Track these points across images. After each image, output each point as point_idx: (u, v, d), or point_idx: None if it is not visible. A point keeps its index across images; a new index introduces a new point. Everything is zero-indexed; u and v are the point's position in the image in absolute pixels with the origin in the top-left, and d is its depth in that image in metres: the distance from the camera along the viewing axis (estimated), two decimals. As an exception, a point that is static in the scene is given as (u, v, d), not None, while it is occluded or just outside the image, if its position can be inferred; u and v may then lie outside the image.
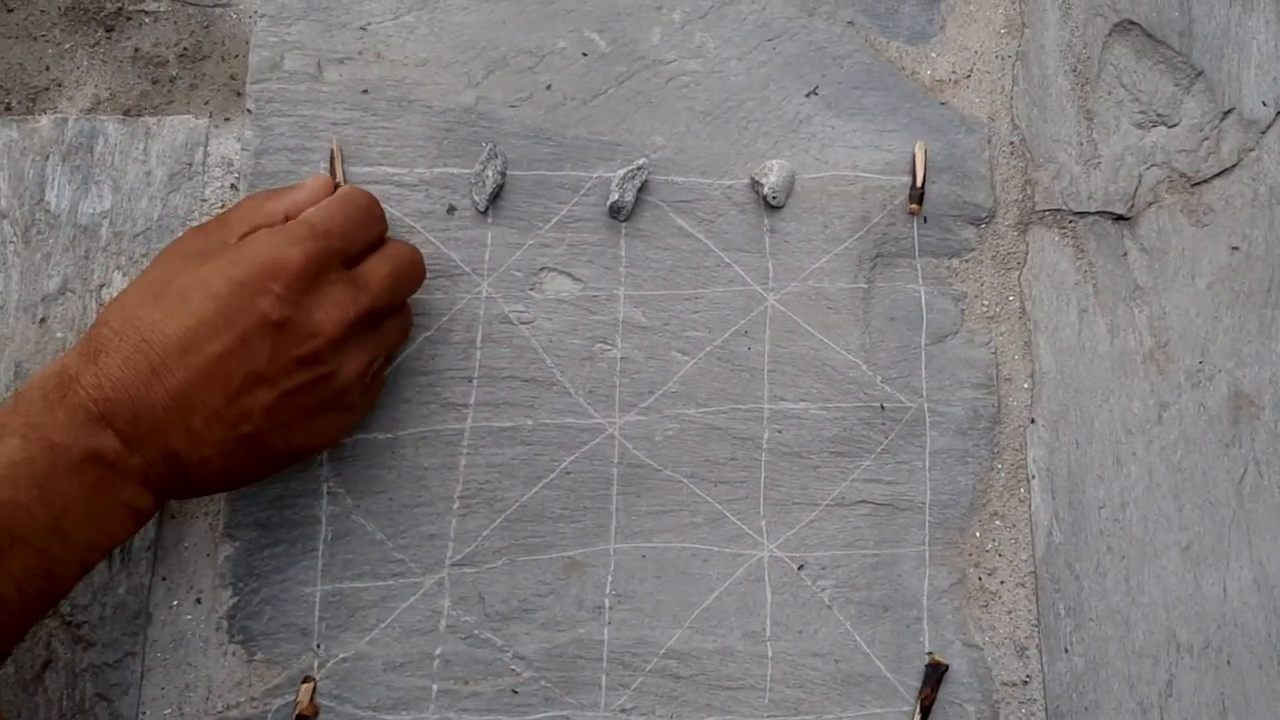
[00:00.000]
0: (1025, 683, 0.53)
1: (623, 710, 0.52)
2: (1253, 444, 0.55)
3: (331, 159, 0.55)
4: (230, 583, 0.52)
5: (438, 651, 0.52)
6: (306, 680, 0.51)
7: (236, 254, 0.44)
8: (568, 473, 0.54)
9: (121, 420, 0.42)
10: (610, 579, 0.53)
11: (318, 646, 0.51)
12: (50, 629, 0.51)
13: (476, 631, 0.52)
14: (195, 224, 0.54)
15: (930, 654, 0.53)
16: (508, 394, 0.54)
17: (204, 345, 0.42)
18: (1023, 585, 0.54)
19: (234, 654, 0.51)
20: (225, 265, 0.43)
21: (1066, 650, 0.53)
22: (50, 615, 0.51)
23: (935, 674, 0.52)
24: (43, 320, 0.54)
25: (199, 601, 0.52)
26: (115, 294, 0.54)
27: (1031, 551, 0.54)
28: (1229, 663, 0.53)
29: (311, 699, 0.50)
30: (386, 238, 0.50)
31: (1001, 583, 0.54)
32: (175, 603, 0.52)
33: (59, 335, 0.54)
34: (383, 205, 0.55)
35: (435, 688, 0.51)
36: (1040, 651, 0.53)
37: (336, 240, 0.46)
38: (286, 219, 0.47)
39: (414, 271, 0.50)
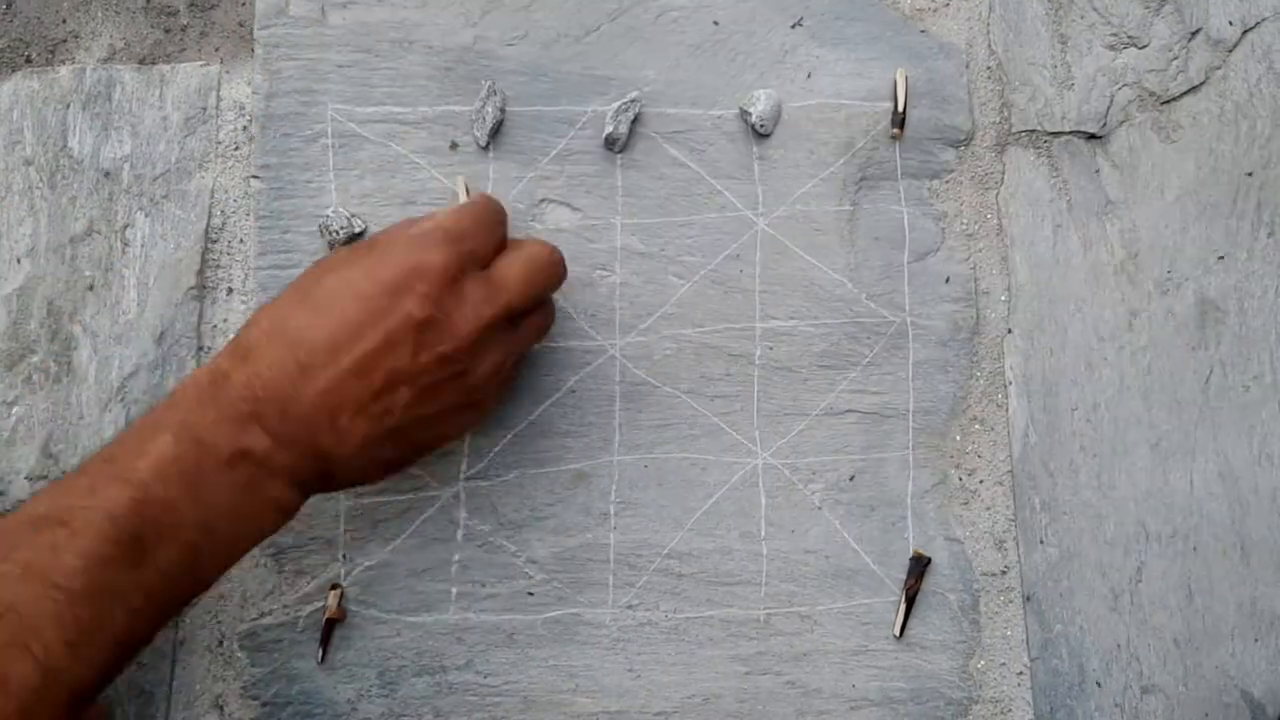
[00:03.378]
0: (1004, 572, 0.57)
1: (629, 606, 0.55)
2: (1218, 347, 0.58)
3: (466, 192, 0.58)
4: (260, 500, 0.55)
5: (456, 558, 0.55)
6: (334, 587, 0.55)
7: (380, 257, 0.46)
8: (573, 391, 0.57)
9: (271, 419, 0.43)
10: (615, 488, 0.56)
11: (344, 556, 0.55)
12: (94, 546, 0.55)
13: (491, 539, 0.56)
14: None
15: (915, 549, 0.56)
16: (513, 319, 0.57)
17: (351, 345, 0.44)
18: (1000, 484, 0.57)
19: (265, 565, 0.55)
20: (370, 267, 0.45)
21: (1042, 542, 0.57)
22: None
23: (919, 566, 0.56)
24: (71, 260, 0.57)
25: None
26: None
27: (1009, 452, 0.58)
28: (1195, 550, 0.57)
29: (340, 604, 0.54)
30: (518, 240, 0.51)
31: (981, 482, 0.58)
32: (209, 520, 0.56)
33: (87, 274, 0.57)
34: (389, 145, 0.58)
35: (455, 591, 0.55)
36: (1017, 544, 0.57)
37: (469, 242, 0.47)
38: None
39: (551, 269, 0.50)
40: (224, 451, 0.43)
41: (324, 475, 0.46)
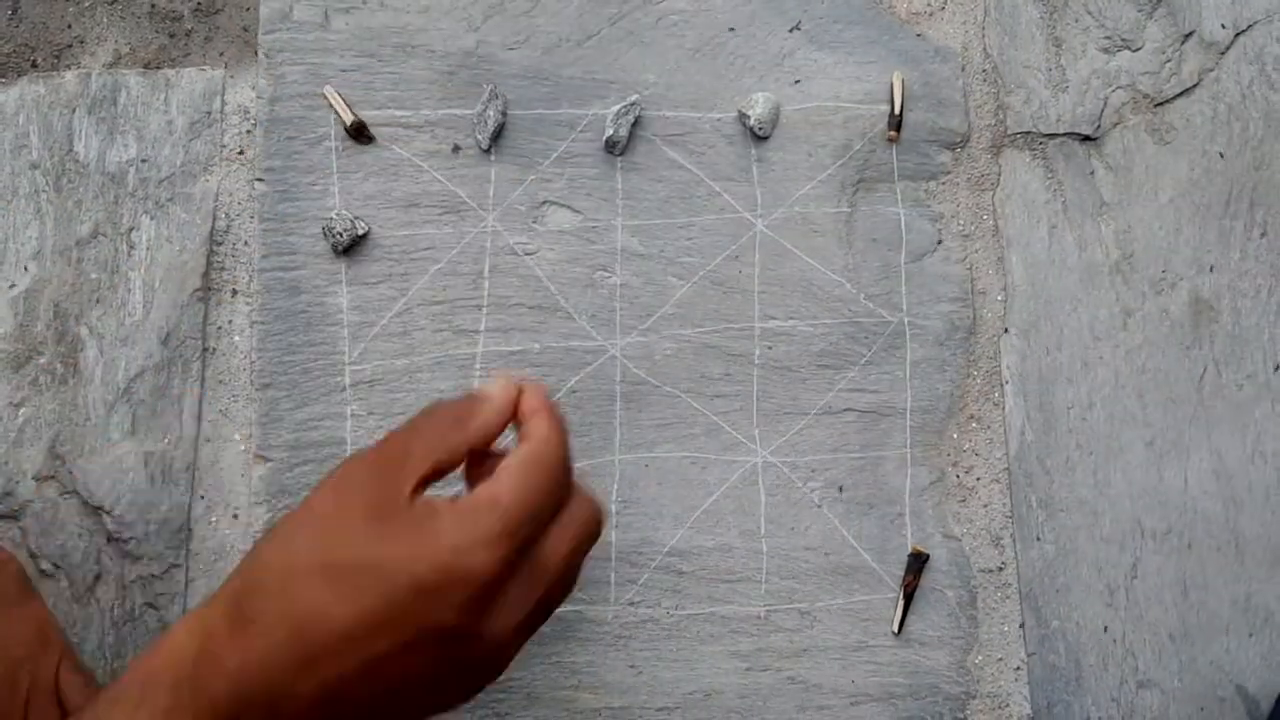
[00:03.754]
0: (1001, 569, 0.57)
1: (631, 603, 0.56)
2: (1211, 346, 0.59)
3: (345, 104, 0.58)
4: (264, 499, 0.56)
5: (459, 556, 0.56)
6: (339, 586, 0.55)
7: (421, 544, 0.37)
8: (574, 391, 0.58)
9: (253, 718, 0.36)
10: (616, 486, 0.57)
11: (348, 555, 0.56)
12: (99, 545, 0.55)
13: (494, 537, 0.56)
14: (360, 452, 0.42)
15: (913, 546, 0.57)
16: (515, 320, 0.58)
17: (369, 642, 0.36)
18: (997, 481, 0.58)
19: (271, 564, 0.55)
20: (408, 557, 0.37)
21: (1039, 539, 0.57)
22: (97, 533, 0.55)
23: (917, 563, 0.56)
24: (78, 262, 0.58)
25: (236, 517, 0.56)
26: (268, 529, 0.42)
27: (1005, 450, 0.58)
28: (1189, 546, 0.57)
29: (344, 602, 0.55)
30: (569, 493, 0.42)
31: (978, 479, 0.58)
32: (214, 519, 0.56)
33: (94, 276, 0.58)
34: (392, 148, 0.58)
35: (458, 589, 0.56)
36: (1014, 541, 0.58)
37: (528, 528, 0.38)
38: (469, 450, 0.40)
39: (593, 538, 0.42)
40: None
41: None
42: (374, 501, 0.38)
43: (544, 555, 0.39)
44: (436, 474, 0.39)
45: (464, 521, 0.37)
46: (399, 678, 0.37)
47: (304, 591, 0.37)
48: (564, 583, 0.41)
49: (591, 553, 0.54)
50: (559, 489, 0.40)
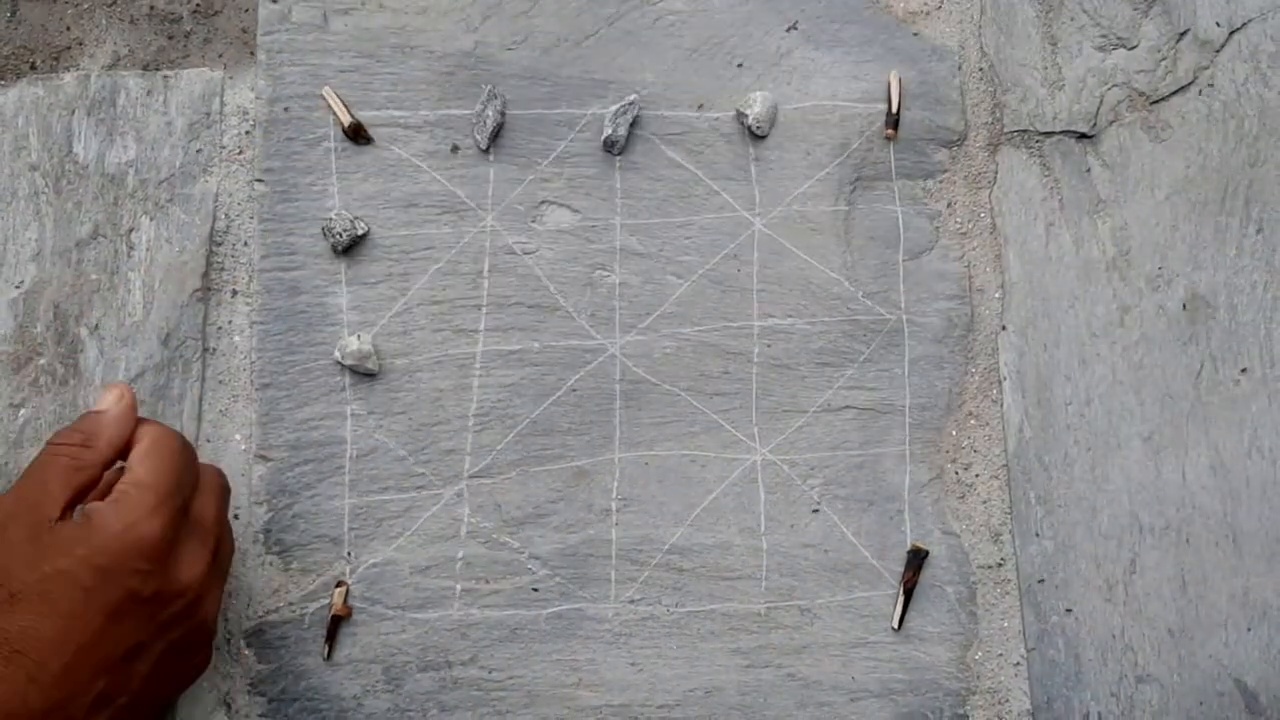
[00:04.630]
0: (1000, 565, 0.58)
1: (631, 601, 0.56)
2: (1208, 342, 0.59)
3: (344, 105, 0.59)
4: (265, 500, 0.56)
5: (459, 555, 0.56)
6: (340, 585, 0.55)
7: (92, 539, 0.43)
8: (574, 390, 0.58)
9: None
10: (616, 485, 0.57)
11: (348, 554, 0.56)
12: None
13: (495, 536, 0.56)
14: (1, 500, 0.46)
15: (912, 542, 0.57)
16: (515, 319, 0.58)
17: (77, 636, 0.42)
18: (996, 478, 0.58)
19: (271, 564, 0.56)
20: (84, 554, 0.42)
21: (1037, 535, 0.58)
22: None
23: (916, 560, 0.57)
24: (77, 264, 0.58)
25: (236, 517, 0.56)
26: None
27: (1004, 447, 0.59)
28: (1188, 541, 0.58)
29: (345, 601, 0.55)
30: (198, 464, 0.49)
31: (976, 476, 0.58)
32: (215, 519, 0.56)
33: (94, 278, 0.58)
34: (391, 148, 0.59)
35: (459, 587, 0.56)
36: (1013, 537, 0.58)
37: (177, 496, 0.45)
38: (104, 466, 0.46)
39: (228, 492, 0.51)
40: None
41: None
42: (28, 537, 0.43)
43: (199, 514, 0.47)
44: (78, 498, 0.45)
45: (122, 507, 0.43)
46: (122, 654, 0.43)
47: (5, 624, 0.41)
48: (227, 536, 0.50)
49: (592, 551, 0.56)
50: (187, 461, 0.47)
